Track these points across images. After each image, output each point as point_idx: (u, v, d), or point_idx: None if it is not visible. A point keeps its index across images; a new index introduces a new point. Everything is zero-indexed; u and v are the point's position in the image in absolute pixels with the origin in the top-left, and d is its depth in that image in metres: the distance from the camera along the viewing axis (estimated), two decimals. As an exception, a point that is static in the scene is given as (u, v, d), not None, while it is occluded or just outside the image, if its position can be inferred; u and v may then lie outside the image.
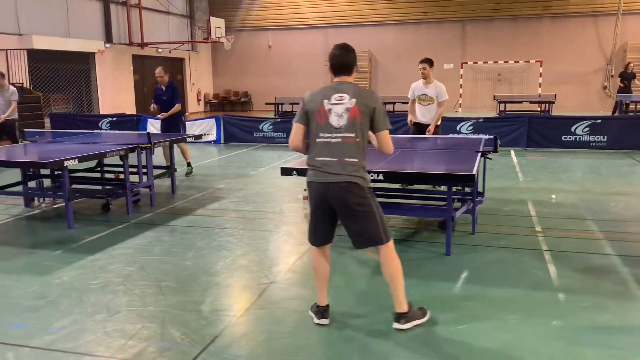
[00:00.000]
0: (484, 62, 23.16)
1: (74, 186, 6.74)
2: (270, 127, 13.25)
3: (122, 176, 6.93)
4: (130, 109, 21.03)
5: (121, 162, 6.50)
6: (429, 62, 7.25)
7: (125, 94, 21.40)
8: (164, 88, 8.96)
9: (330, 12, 24.99)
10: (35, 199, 7.00)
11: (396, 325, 3.47)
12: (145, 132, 6.89)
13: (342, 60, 3.54)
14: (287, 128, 13.09)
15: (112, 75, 20.45)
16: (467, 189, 5.91)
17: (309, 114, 3.47)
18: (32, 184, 7.06)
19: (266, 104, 20.89)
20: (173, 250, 5.18)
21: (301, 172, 4.41)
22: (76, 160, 5.69)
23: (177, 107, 8.96)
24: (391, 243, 3.48)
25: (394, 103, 19.21)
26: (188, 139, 9.00)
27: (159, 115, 9.03)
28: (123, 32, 21.23)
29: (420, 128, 7.53)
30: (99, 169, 7.61)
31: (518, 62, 22.66)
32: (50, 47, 17.05)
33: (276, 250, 5.32)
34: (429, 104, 7.41)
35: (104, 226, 6.04)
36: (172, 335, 3.46)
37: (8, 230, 6.09)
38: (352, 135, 3.36)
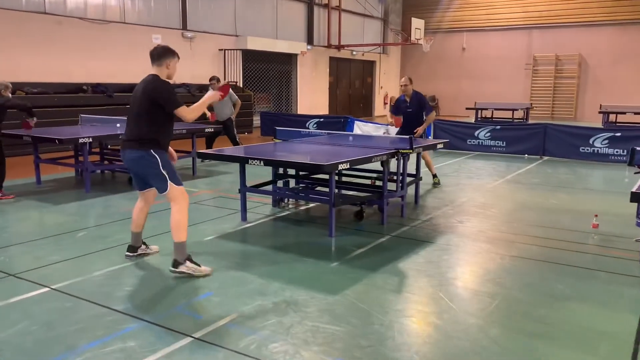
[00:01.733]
0: None
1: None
2: (488, 134, 12.17)
3: (378, 182, 6.45)
4: (324, 109, 21.35)
5: (381, 168, 6.02)
6: None
7: (321, 95, 21.79)
8: (408, 99, 8.10)
9: (535, 12, 22.99)
10: (282, 199, 6.86)
11: None
12: (406, 136, 6.31)
13: None
14: (507, 136, 11.92)
15: (310, 76, 20.90)
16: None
17: None
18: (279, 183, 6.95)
19: (467, 109, 19.73)
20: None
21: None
22: (348, 164, 5.28)
23: (432, 115, 8.25)
24: None
25: (616, 113, 16.70)
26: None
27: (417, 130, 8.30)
28: (323, 35, 21.62)
29: None
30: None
31: None
32: (261, 48, 17.83)
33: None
34: None
35: (363, 237, 5.58)
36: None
37: (268, 231, 5.93)
38: None
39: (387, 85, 25.97)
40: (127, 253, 4.76)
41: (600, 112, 16.45)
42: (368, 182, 7.23)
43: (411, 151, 6.05)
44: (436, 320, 3.66)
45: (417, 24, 20.56)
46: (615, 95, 20.78)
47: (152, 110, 4.25)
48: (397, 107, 8.14)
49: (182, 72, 15.77)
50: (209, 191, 7.86)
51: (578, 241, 5.51)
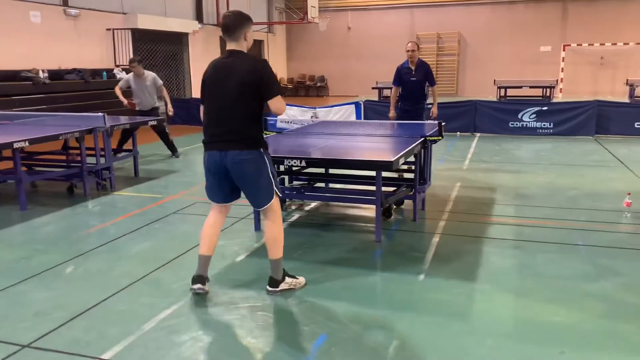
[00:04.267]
0: (589, 45, 21.70)
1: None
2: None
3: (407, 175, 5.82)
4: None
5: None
6: None
7: (214, 77, 20.31)
8: (413, 68, 7.25)
9: (417, -9, 23.62)
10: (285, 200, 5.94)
11: None
12: (434, 121, 5.76)
13: None
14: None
15: (202, 58, 19.33)
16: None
17: None
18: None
19: (373, 88, 19.64)
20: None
21: None
22: (403, 157, 4.60)
23: (436, 90, 7.60)
24: None
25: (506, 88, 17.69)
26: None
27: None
28: (212, 13, 20.10)
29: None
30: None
31: (628, 44, 21.19)
32: (152, 26, 15.99)
33: None
34: None
35: (410, 237, 4.98)
36: None
37: (302, 241, 5.03)
38: None
39: (276, 65, 25.12)
40: (197, 287, 3.68)
41: (499, 87, 17.35)
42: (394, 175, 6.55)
43: (441, 138, 5.53)
44: None
45: (312, 2, 19.96)
46: (492, 71, 22.15)
47: (257, 100, 3.43)
48: (399, 77, 7.33)
49: (68, 56, 13.64)
50: (175, 196, 6.65)
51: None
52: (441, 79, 23.95)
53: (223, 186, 3.66)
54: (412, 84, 7.26)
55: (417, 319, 3.43)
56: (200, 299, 3.69)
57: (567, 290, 3.83)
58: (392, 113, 7.59)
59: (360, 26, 24.88)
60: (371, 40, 24.59)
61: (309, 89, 25.80)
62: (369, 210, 5.78)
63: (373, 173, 4.78)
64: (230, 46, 3.50)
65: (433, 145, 5.82)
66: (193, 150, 10.12)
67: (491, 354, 3.01)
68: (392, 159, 4.29)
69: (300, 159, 4.49)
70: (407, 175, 6.38)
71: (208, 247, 3.70)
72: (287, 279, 3.80)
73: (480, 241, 4.87)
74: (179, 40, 18.29)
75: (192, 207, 6.12)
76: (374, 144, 5.62)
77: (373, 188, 4.93)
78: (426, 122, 6.35)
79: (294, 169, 5.76)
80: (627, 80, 17.89)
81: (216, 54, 20.47)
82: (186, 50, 18.67)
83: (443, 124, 5.53)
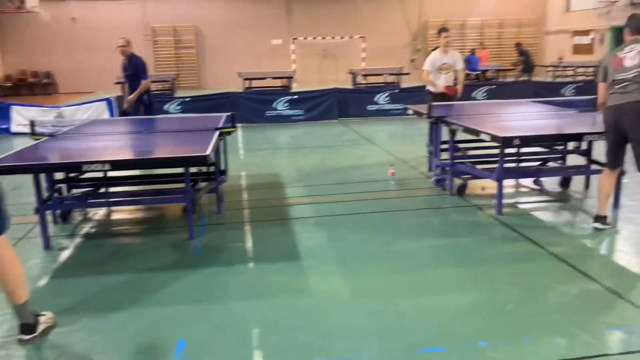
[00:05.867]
0: (313, 38, 24.10)
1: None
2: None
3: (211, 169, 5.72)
4: None
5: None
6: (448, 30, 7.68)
7: None
8: (126, 62, 7.70)
9: (147, -17, 22.87)
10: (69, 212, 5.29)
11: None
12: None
13: None
14: (198, 107, 11.95)
15: None
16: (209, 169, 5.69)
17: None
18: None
19: (116, 83, 18.24)
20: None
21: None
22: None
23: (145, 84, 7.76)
24: None
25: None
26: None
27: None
28: None
29: (442, 97, 7.83)
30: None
31: (343, 37, 24.19)
32: None
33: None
34: (448, 72, 7.78)
35: (219, 231, 5.03)
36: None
37: (111, 251, 4.59)
38: None
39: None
40: None
41: (245, 79, 17.99)
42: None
43: (235, 129, 5.65)
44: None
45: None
46: (231, 63, 22.94)
47: None
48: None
49: None
50: None
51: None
52: (183, 72, 23.81)
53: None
54: (127, 77, 7.85)
55: (266, 304, 3.54)
56: None
57: (377, 252, 4.41)
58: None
59: (87, 17, 22.98)
60: (102, 32, 22.86)
61: (33, 87, 22.84)
62: (170, 209, 5.60)
63: (171, 170, 4.64)
64: None
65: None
66: None
67: (344, 319, 3.32)
68: (207, 153, 4.25)
69: (105, 162, 4.11)
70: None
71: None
72: (41, 318, 3.16)
73: (287, 222, 5.19)
74: None
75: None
76: (174, 140, 5.45)
77: (180, 185, 4.80)
78: (219, 115, 6.36)
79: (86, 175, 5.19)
80: (350, 70, 20.49)
81: None
82: None
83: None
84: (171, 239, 4.87)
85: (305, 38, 24.06)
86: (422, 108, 6.63)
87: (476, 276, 3.91)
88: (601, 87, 4.56)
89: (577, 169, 6.12)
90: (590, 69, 20.19)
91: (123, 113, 8.32)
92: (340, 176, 7.05)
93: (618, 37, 20.64)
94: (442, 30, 7.65)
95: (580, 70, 20.29)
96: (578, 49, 23.20)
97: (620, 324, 3.19)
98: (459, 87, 7.75)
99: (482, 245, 4.52)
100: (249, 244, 4.67)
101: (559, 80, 19.58)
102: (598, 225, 4.65)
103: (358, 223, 5.14)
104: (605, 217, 4.67)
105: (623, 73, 4.35)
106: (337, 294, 3.67)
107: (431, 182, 6.42)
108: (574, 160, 6.44)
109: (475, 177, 5.83)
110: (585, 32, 22.70)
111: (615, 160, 4.58)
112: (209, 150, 4.32)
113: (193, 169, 5.55)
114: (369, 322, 3.28)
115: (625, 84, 4.31)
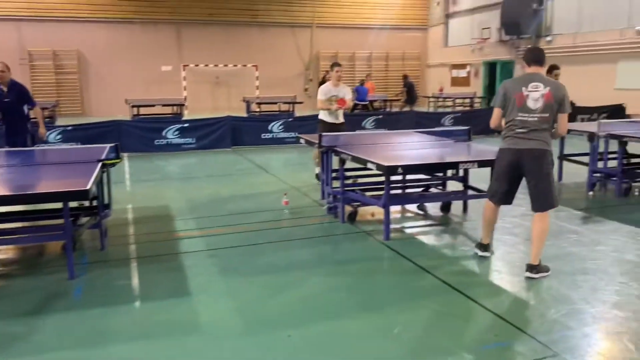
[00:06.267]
0: (205, 65, 23.87)
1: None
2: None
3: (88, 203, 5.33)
4: None
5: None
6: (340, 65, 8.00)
7: None
8: (5, 89, 6.93)
9: (24, 3, 21.45)
10: None
11: (527, 274, 4.36)
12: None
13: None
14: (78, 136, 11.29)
15: None
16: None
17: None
18: None
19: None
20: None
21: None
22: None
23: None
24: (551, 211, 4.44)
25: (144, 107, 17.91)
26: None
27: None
28: None
29: (331, 127, 8.07)
30: None
31: (236, 65, 24.20)
32: None
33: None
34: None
35: (106, 268, 4.74)
36: None
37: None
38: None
39: None
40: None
41: (132, 106, 17.30)
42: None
43: (120, 160, 5.40)
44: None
45: None
46: (118, 90, 22.09)
47: None
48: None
49: None
50: None
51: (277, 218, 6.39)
52: (64, 99, 22.47)
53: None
54: (7, 106, 6.95)
55: (153, 346, 3.39)
56: None
57: (271, 283, 4.38)
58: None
59: (-47, 38, 21.05)
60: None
61: None
62: (49, 247, 5.19)
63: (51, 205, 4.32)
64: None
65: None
66: None
67: (236, 356, 3.25)
68: (87, 187, 4.02)
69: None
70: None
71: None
72: None
73: (177, 257, 5.02)
74: None
75: None
76: (53, 173, 5.08)
77: (60, 221, 4.47)
78: (99, 146, 6.03)
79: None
80: (244, 97, 20.50)
81: None
82: None
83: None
84: (49, 280, 4.50)
85: (196, 65, 23.79)
86: (314, 137, 6.80)
87: (365, 302, 4.02)
88: (496, 112, 4.56)
89: (456, 195, 6.55)
90: (467, 100, 22.00)
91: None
92: (233, 206, 6.96)
93: (491, 71, 22.73)
94: (335, 65, 7.99)
95: (459, 101, 21.91)
96: (456, 81, 25.09)
97: (496, 340, 3.42)
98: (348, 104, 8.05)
99: (371, 271, 4.67)
100: (135, 281, 4.45)
101: (440, 110, 21.03)
102: (479, 251, 4.90)
103: (251, 255, 5.09)
104: (488, 245, 4.89)
105: (526, 114, 4.31)
106: (230, 329, 3.59)
107: (324, 209, 6.55)
108: (454, 186, 6.90)
109: (365, 204, 6.03)
110: (462, 66, 24.65)
111: (505, 199, 4.65)
112: (89, 184, 4.09)
113: (74, 204, 5.24)
114: (262, 356, 3.23)
115: (527, 129, 4.31)
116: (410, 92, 19.52)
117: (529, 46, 5.12)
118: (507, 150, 4.47)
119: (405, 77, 20.71)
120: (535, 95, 4.29)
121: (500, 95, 4.50)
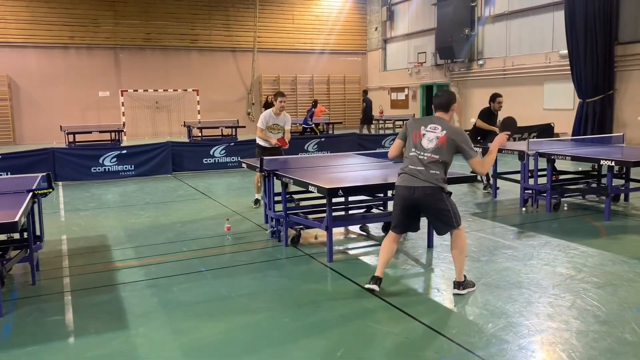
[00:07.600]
0: (144, 90, 23.43)
1: None
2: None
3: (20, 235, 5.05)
4: None
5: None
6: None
7: None
8: None
9: (-55, 27, 20.49)
10: None
11: (455, 291, 4.49)
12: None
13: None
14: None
15: None
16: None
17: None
18: None
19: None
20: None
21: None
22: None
23: None
24: (461, 227, 4.52)
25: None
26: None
27: None
28: None
29: (269, 151, 8.02)
30: None
31: (177, 90, 23.88)
32: None
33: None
34: (279, 132, 8.08)
35: (34, 306, 4.50)
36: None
37: None
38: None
39: None
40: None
41: (68, 133, 16.68)
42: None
43: (52, 190, 5.18)
44: (255, 338, 3.81)
45: None
46: (53, 117, 21.35)
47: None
48: None
49: None
50: None
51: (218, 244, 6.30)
52: (-5, 126, 21.47)
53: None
54: None
55: (87, 383, 3.22)
56: None
57: (213, 311, 4.29)
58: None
59: None
60: None
61: None
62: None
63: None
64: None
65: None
66: None
67: (175, 389, 3.15)
68: (16, 219, 3.83)
69: None
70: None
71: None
72: None
73: (114, 289, 4.84)
74: None
75: None
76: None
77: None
78: (30, 175, 5.76)
79: None
80: (184, 122, 20.20)
81: None
82: None
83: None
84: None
85: (135, 90, 23.30)
86: (256, 162, 6.77)
87: (310, 326, 4.01)
88: (396, 143, 4.70)
89: (397, 215, 6.65)
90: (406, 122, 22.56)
91: None
92: (174, 234, 6.81)
93: (428, 93, 23.49)
94: (279, 94, 8.01)
95: (399, 122, 22.46)
96: (395, 104, 25.76)
97: (437, 357, 3.47)
98: (287, 144, 8.08)
99: (315, 294, 4.66)
100: (69, 316, 4.25)
101: (380, 132, 21.47)
102: (369, 284, 4.54)
103: (193, 283, 4.98)
104: (380, 279, 4.56)
105: (418, 151, 4.40)
106: (169, 361, 3.48)
107: (267, 234, 6.51)
108: (394, 206, 7.02)
109: (308, 227, 6.04)
110: (401, 89, 25.36)
111: (407, 228, 4.70)
112: (18, 216, 3.90)
113: (2, 237, 4.97)
114: (202, 388, 3.15)
115: (418, 168, 4.36)
116: (366, 111, 19.76)
117: (440, 90, 5.30)
118: (400, 187, 4.49)
119: (365, 92, 20.82)
120: (431, 136, 4.40)
121: (404, 129, 4.67)
